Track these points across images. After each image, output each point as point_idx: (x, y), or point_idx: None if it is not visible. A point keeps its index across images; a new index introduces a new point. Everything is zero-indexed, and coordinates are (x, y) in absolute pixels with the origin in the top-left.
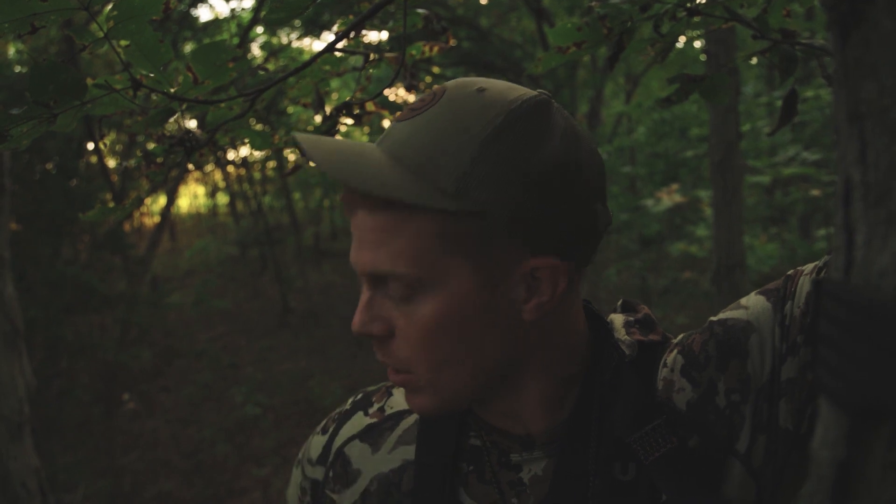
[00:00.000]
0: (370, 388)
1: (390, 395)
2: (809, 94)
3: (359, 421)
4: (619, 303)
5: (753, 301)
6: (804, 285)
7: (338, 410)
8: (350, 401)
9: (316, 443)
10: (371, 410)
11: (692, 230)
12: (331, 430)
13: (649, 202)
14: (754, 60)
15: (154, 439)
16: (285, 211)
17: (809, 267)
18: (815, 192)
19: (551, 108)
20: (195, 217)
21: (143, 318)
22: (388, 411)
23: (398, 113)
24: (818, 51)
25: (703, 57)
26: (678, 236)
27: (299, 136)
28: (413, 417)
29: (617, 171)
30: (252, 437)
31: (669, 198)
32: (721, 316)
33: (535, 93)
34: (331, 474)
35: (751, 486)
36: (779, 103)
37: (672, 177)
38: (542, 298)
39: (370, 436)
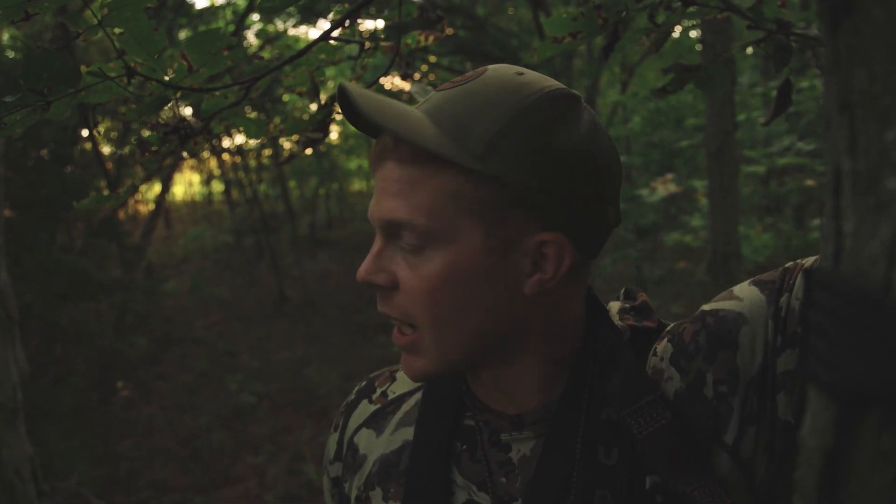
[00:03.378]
0: (373, 374)
1: (393, 379)
2: (805, 84)
3: (364, 409)
4: (623, 291)
5: (748, 292)
6: (802, 278)
7: (345, 402)
8: (355, 390)
9: (331, 442)
10: (374, 396)
11: (687, 220)
12: (340, 424)
13: (645, 192)
14: (750, 50)
15: (150, 426)
16: (281, 199)
17: (809, 260)
18: (810, 182)
19: (580, 102)
20: (190, 205)
21: (138, 306)
22: (391, 395)
23: (441, 84)
24: (813, 41)
25: (699, 47)
26: (673, 226)
27: (347, 85)
28: (415, 399)
29: None
30: (248, 424)
31: (665, 188)
32: (714, 306)
33: (567, 88)
34: (345, 466)
35: (740, 477)
36: (774, 93)
37: (667, 166)
38: (545, 275)
39: (374, 421)
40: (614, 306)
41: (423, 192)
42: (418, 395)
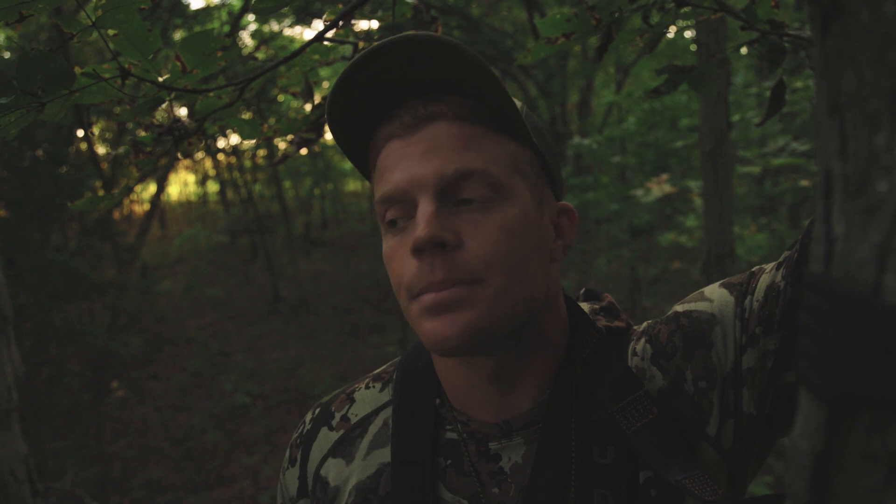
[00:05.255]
0: (325, 399)
1: (352, 401)
2: (799, 84)
3: (325, 437)
4: (582, 291)
5: (718, 294)
6: (763, 281)
7: (297, 434)
8: (308, 419)
9: (290, 478)
10: (335, 423)
11: (682, 220)
12: (299, 458)
13: (639, 192)
14: (744, 50)
15: (144, 426)
16: (275, 199)
17: (771, 265)
18: (805, 183)
19: None
20: (185, 205)
21: (132, 305)
22: (354, 419)
23: None
24: (806, 42)
25: (693, 47)
26: (668, 226)
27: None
28: (381, 420)
29: (607, 160)
30: (242, 424)
31: (659, 188)
32: (687, 307)
33: None
34: (314, 502)
35: (722, 467)
36: (768, 94)
37: (662, 167)
38: (565, 240)
39: (341, 448)
40: (585, 307)
41: (488, 147)
42: (385, 415)
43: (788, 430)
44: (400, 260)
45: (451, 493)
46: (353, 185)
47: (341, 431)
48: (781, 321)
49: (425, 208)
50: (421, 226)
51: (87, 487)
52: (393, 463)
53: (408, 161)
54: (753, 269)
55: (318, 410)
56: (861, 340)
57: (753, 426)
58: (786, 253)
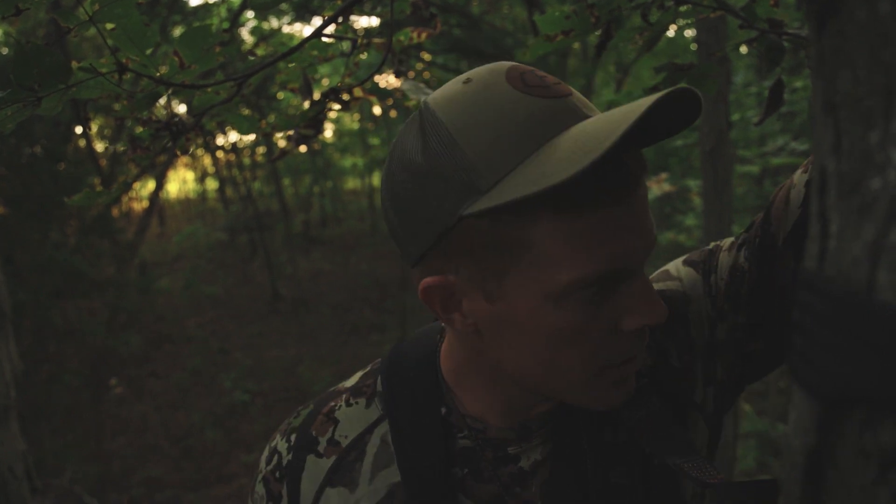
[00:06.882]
0: (296, 423)
1: (335, 421)
2: (799, 83)
3: (315, 466)
4: None
5: (684, 272)
6: (724, 260)
7: (272, 466)
8: (284, 448)
9: None
10: (321, 448)
11: (681, 219)
12: (285, 493)
13: None
14: (744, 49)
15: (143, 424)
16: (275, 197)
17: (728, 242)
18: None
19: None
20: (184, 202)
21: (131, 303)
22: (344, 441)
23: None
24: (805, 41)
25: (693, 46)
26: (667, 226)
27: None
28: (378, 437)
29: None
30: (241, 422)
31: (659, 187)
32: (658, 287)
33: None
34: None
35: (706, 433)
36: (767, 93)
37: (661, 166)
38: None
39: (339, 476)
40: None
41: None
42: (380, 431)
43: (745, 387)
44: (598, 334)
45: (472, 501)
46: (352, 183)
47: (333, 457)
48: (748, 299)
49: (646, 286)
50: (655, 308)
51: (86, 485)
52: (404, 480)
53: (626, 233)
54: (711, 247)
55: (293, 436)
56: (855, 339)
57: (725, 391)
58: (743, 234)
